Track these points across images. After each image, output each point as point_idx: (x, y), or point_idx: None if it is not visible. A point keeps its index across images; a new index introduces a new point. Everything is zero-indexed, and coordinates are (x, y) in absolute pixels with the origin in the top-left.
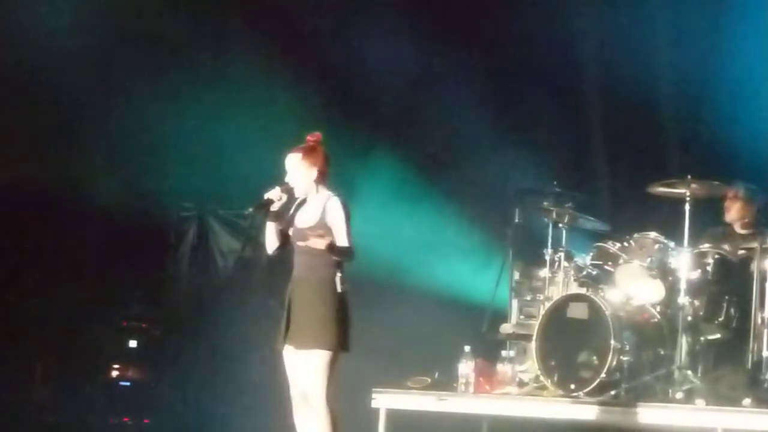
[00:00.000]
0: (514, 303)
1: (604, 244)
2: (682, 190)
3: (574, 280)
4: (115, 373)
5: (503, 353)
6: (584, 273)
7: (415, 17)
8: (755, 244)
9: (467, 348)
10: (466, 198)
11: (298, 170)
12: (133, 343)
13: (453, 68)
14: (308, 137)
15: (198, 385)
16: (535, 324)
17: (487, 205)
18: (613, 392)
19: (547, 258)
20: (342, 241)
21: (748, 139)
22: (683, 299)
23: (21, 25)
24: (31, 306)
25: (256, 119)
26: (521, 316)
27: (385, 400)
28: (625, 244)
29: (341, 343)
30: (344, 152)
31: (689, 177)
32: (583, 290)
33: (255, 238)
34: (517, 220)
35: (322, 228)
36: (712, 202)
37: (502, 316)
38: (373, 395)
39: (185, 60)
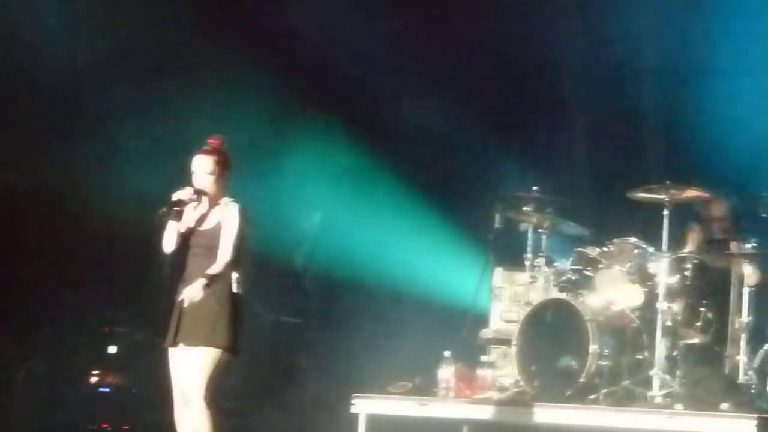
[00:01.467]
0: (495, 308)
1: (584, 249)
2: (662, 196)
3: (554, 285)
4: (94, 379)
5: (483, 358)
6: (564, 278)
7: (392, 15)
8: (733, 250)
9: (447, 353)
10: (447, 203)
11: (208, 173)
12: (113, 349)
13: (433, 70)
14: (213, 140)
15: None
16: (516, 329)
17: (467, 210)
18: (592, 396)
19: (528, 263)
20: (224, 246)
21: (728, 145)
22: (662, 304)
23: (17, 26)
24: (11, 312)
25: (241, 122)
26: (501, 321)
27: (365, 405)
28: (605, 249)
29: (231, 344)
30: (324, 159)
31: (668, 183)
32: (562, 295)
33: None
34: (497, 225)
35: (219, 231)
36: (692, 207)
37: (483, 321)
38: (353, 400)
39: (177, 64)
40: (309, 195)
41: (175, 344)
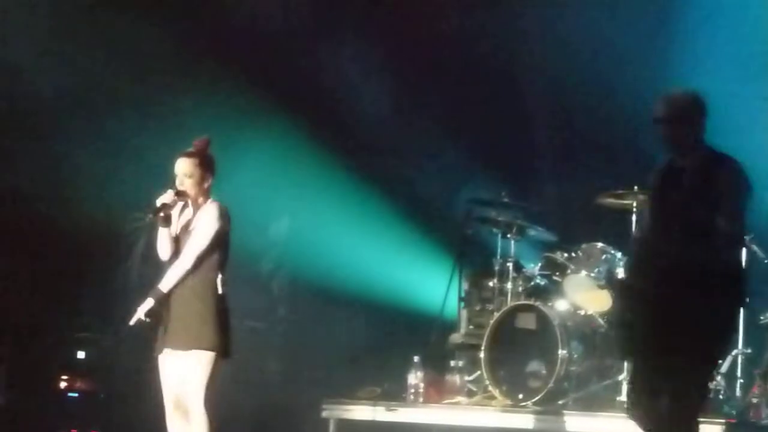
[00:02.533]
0: (463, 313)
1: (552, 255)
2: (630, 201)
3: (523, 290)
4: (63, 384)
5: (452, 363)
6: (532, 283)
7: (357, 17)
8: None
9: (416, 358)
10: (416, 207)
11: (187, 176)
12: (81, 354)
13: (400, 74)
14: (196, 142)
15: (148, 398)
16: (484, 334)
17: (436, 215)
18: (561, 401)
19: (496, 268)
20: (190, 244)
21: None
22: None
23: None
24: None
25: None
26: (470, 326)
27: (334, 411)
28: (573, 254)
29: (222, 346)
30: (292, 163)
31: (636, 188)
32: (531, 300)
33: None
34: (466, 230)
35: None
36: None
37: (451, 327)
38: (323, 406)
39: (149, 72)
40: (276, 200)
41: (161, 351)
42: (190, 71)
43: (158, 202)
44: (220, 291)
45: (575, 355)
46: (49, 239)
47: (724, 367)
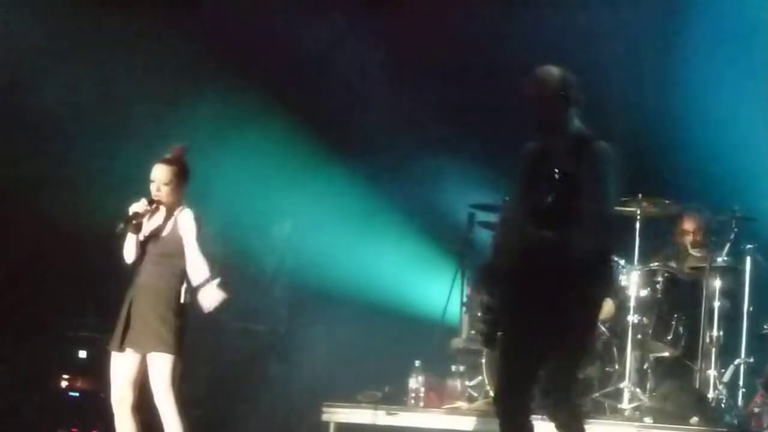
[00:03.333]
0: (465, 318)
1: None
2: (633, 209)
3: None
4: (64, 384)
5: (453, 368)
6: None
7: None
8: (704, 264)
9: (417, 362)
10: (418, 212)
11: (170, 183)
12: (83, 354)
13: (403, 74)
14: (175, 149)
15: (148, 397)
16: None
17: (439, 219)
18: None
19: None
20: (193, 254)
21: (699, 158)
22: (633, 317)
23: None
24: None
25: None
26: (472, 331)
27: (334, 415)
28: None
29: (179, 350)
30: (296, 165)
31: (640, 196)
32: None
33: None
34: (469, 235)
35: (173, 240)
36: (663, 220)
37: (453, 331)
38: (323, 409)
39: (153, 70)
40: (278, 202)
41: (122, 349)
42: (191, 70)
43: (131, 211)
44: (182, 300)
45: None
46: (49, 238)
47: (727, 376)
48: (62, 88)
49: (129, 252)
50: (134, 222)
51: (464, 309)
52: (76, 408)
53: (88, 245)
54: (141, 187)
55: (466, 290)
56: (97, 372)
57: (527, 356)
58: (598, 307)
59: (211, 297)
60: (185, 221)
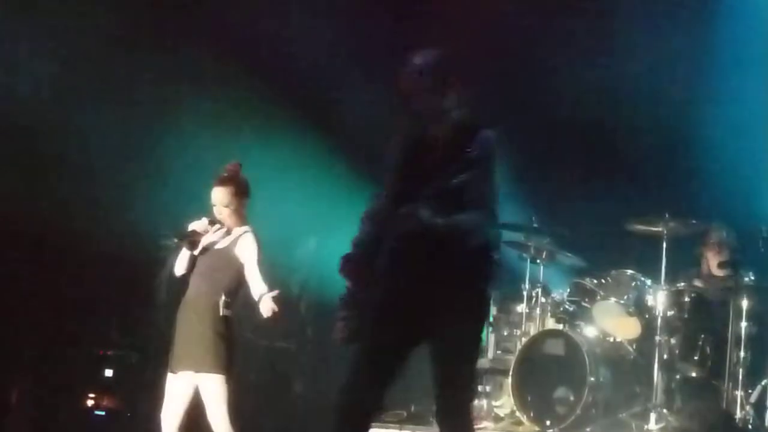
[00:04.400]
0: (491, 337)
1: (582, 281)
2: (660, 228)
3: (551, 315)
4: (90, 402)
5: (479, 388)
6: (561, 309)
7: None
8: (731, 283)
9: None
10: None
11: (230, 205)
12: (109, 372)
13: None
14: (229, 168)
15: None
16: (512, 359)
17: None
18: (588, 429)
19: (525, 293)
20: (255, 276)
21: (726, 177)
22: (659, 337)
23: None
24: (6, 333)
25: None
26: (498, 351)
27: None
28: (603, 280)
29: (227, 366)
30: (321, 183)
31: (667, 215)
32: (560, 326)
33: None
34: (495, 255)
35: (225, 256)
36: (690, 240)
37: (479, 351)
38: None
39: (170, 89)
40: (304, 220)
41: (174, 371)
42: (218, 88)
43: (189, 228)
44: (221, 313)
45: (603, 382)
46: (76, 257)
47: (754, 396)
48: (90, 106)
49: (180, 266)
50: (190, 239)
51: (490, 329)
52: (101, 427)
53: (115, 264)
54: (173, 208)
55: (493, 310)
56: (123, 391)
57: (387, 355)
58: (482, 304)
59: (267, 305)
60: (248, 243)
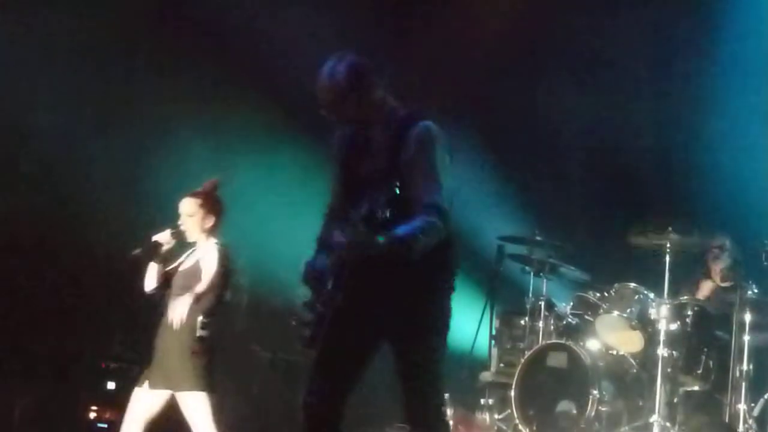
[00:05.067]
0: (494, 351)
1: (585, 294)
2: (663, 242)
3: (554, 329)
4: (92, 415)
5: (482, 401)
6: (564, 322)
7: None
8: (734, 297)
9: (446, 395)
10: None
11: (194, 215)
12: (111, 385)
13: (433, 105)
14: (206, 184)
15: (175, 429)
16: (515, 372)
17: (467, 252)
18: None
19: (528, 306)
20: (205, 278)
21: (731, 192)
22: (662, 350)
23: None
24: (9, 346)
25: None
26: (501, 364)
27: None
28: (606, 294)
29: (210, 384)
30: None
31: (670, 228)
32: (562, 339)
33: (236, 282)
34: (498, 268)
35: (194, 273)
36: (693, 253)
37: (482, 364)
38: None
39: (176, 98)
40: (308, 233)
41: (153, 387)
42: (219, 99)
43: (153, 239)
44: (198, 333)
45: (606, 396)
46: (78, 269)
47: (757, 410)
48: (92, 119)
49: (149, 281)
50: (152, 251)
51: (493, 342)
52: None
53: (117, 277)
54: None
55: (496, 323)
56: (126, 403)
57: (349, 359)
58: (429, 314)
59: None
60: (209, 258)
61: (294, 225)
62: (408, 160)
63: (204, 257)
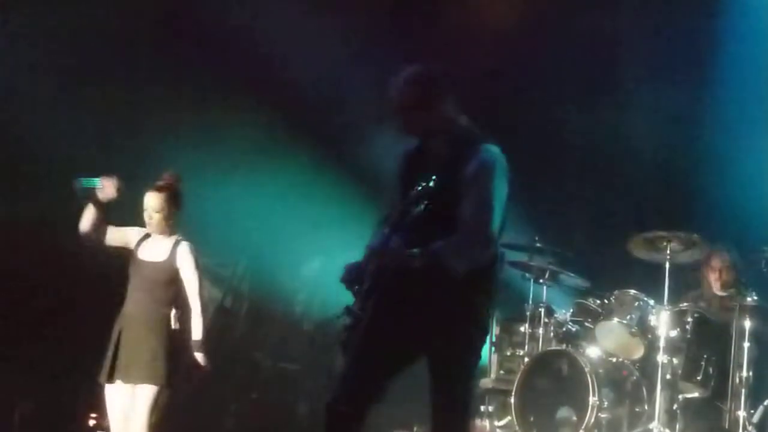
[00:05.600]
0: (494, 358)
1: (585, 301)
2: (663, 248)
3: (554, 335)
4: (92, 422)
5: (482, 408)
6: (564, 329)
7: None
8: (734, 304)
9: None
10: None
11: (162, 212)
12: None
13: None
14: (167, 176)
15: None
16: (515, 379)
17: None
18: None
19: (528, 313)
20: (194, 287)
21: (730, 199)
22: (662, 357)
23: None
24: (9, 353)
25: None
26: (501, 371)
27: None
28: (606, 301)
29: (168, 380)
30: (329, 202)
31: (670, 235)
32: (562, 346)
33: (236, 288)
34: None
35: (166, 268)
36: (693, 260)
37: (482, 371)
38: None
39: (181, 105)
40: (308, 241)
41: (111, 381)
42: (220, 104)
43: (100, 180)
44: (173, 326)
45: (606, 403)
46: (77, 278)
47: (756, 417)
48: (96, 127)
49: (85, 223)
50: (91, 196)
51: (493, 349)
52: None
53: (116, 284)
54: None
55: (496, 330)
56: None
57: (380, 367)
58: (466, 332)
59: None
60: (185, 253)
61: (295, 233)
62: (466, 180)
63: (183, 256)
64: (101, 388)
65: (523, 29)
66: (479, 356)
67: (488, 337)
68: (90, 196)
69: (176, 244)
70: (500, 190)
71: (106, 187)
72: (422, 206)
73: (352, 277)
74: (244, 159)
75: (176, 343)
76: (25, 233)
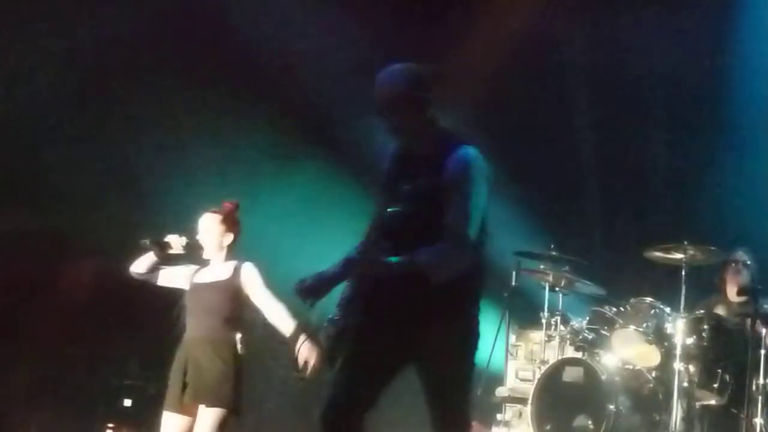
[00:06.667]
0: (510, 366)
1: (601, 309)
2: (679, 256)
3: (570, 344)
4: None
5: (498, 417)
6: (580, 337)
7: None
8: (750, 311)
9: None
10: None
11: (212, 233)
12: (128, 402)
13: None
14: (226, 204)
15: None
16: (531, 387)
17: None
18: None
19: (544, 321)
20: (271, 301)
21: (745, 204)
22: (679, 365)
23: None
24: (26, 364)
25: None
26: (517, 379)
27: None
28: (622, 309)
29: (236, 405)
30: (343, 212)
31: (686, 243)
32: (579, 354)
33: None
34: (513, 284)
35: (228, 290)
36: (709, 267)
37: (498, 379)
38: None
39: (191, 116)
40: (322, 250)
41: (179, 410)
42: (230, 116)
43: (164, 239)
44: (240, 351)
45: (623, 410)
46: (95, 287)
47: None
48: (94, 125)
49: (140, 265)
50: (160, 248)
51: (509, 357)
52: None
53: (134, 295)
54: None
55: (512, 338)
56: (142, 421)
57: (371, 376)
58: (453, 341)
59: (307, 350)
60: (250, 272)
61: (308, 240)
62: (446, 184)
63: (248, 276)
64: (118, 399)
65: (536, 35)
66: (472, 364)
67: (491, 343)
68: (160, 250)
69: (239, 264)
70: (481, 194)
71: (174, 245)
72: (403, 210)
73: (307, 287)
74: (256, 168)
75: (241, 367)
76: (40, 244)
